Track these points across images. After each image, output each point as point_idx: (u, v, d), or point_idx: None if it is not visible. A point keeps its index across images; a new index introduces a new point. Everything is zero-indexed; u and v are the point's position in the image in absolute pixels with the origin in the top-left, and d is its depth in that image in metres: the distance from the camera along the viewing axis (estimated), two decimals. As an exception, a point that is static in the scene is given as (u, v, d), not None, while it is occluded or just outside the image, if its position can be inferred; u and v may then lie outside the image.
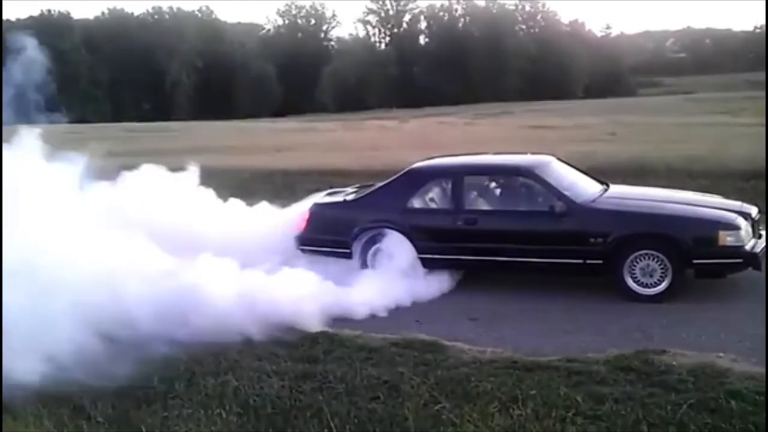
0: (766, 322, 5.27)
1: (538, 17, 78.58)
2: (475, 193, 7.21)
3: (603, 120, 24.62)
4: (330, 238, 7.26)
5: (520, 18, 78.32)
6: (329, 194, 8.03)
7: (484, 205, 7.15)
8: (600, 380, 4.52)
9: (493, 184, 7.35)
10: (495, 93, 63.54)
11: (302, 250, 7.35)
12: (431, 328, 5.79)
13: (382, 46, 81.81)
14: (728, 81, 66.88)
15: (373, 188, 7.58)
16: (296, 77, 72.14)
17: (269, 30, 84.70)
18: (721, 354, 4.89)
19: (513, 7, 78.42)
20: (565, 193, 6.65)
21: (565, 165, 7.46)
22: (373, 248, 7.12)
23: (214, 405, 4.37)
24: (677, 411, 4.01)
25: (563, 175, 7.11)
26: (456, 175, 7.10)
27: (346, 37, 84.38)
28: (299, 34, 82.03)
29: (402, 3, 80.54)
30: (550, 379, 4.54)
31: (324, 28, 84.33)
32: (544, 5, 78.64)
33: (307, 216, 7.37)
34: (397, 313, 6.36)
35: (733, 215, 6.42)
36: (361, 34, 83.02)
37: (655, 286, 6.24)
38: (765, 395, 4.13)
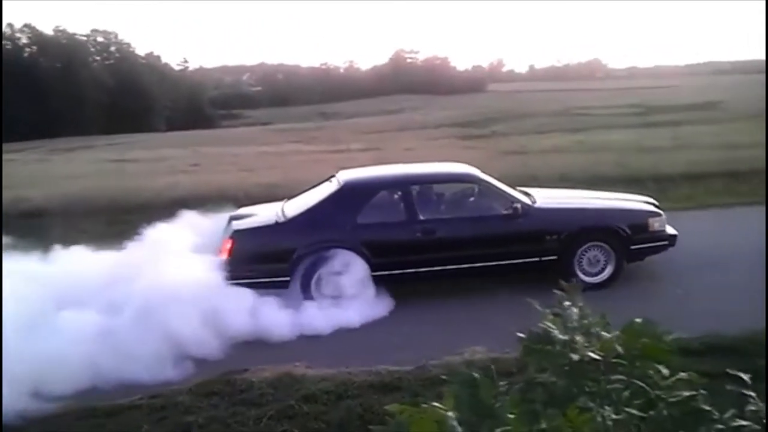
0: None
1: (112, 48, 76.29)
2: (424, 202, 7.04)
3: (185, 152, 24.80)
4: (262, 266, 6.41)
5: (92, 49, 75.03)
6: (234, 219, 6.98)
7: (438, 214, 7.02)
8: (185, 410, 4.51)
9: (438, 193, 7.32)
10: (74, 127, 59.66)
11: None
12: None
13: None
14: (301, 113, 73.39)
15: (304, 208, 6.82)
16: None
17: None
18: (297, 363, 5.25)
19: (84, 38, 74.80)
20: (516, 196, 6.93)
21: (481, 172, 7.42)
22: (319, 272, 6.43)
23: None
24: (258, 424, 4.20)
25: (492, 180, 7.21)
26: (404, 186, 6.92)
27: None
28: None
29: (-49, 28, 70.79)
30: (132, 420, 4.37)
31: None
32: (116, 36, 76.69)
33: (229, 245, 6.41)
34: None
35: (650, 205, 7.39)
36: None
37: (598, 274, 6.86)
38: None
